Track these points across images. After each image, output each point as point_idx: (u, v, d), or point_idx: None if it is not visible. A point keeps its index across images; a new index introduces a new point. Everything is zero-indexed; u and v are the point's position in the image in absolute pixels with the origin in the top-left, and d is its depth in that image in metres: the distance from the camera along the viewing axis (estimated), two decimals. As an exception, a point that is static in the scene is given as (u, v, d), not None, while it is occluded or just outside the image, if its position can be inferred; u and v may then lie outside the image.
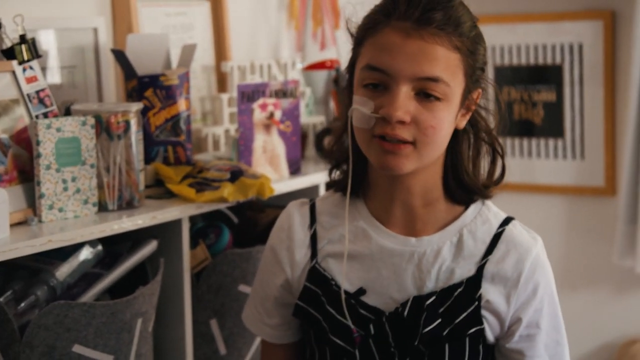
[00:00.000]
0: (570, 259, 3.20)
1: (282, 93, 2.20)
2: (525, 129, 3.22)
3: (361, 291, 1.58)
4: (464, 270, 1.56)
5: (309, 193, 2.21)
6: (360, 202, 1.64)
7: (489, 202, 1.62)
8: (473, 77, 1.54)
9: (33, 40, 1.83)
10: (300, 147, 2.27)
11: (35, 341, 1.64)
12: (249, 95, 2.14)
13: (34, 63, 1.83)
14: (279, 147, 2.21)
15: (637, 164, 2.98)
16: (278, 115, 2.19)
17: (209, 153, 2.32)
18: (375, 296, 1.58)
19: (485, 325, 1.56)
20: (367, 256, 1.60)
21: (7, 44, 1.81)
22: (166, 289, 1.94)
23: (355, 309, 1.57)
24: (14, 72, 1.80)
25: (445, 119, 1.51)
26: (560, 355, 1.60)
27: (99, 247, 1.83)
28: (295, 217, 1.68)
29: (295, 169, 2.24)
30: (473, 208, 1.60)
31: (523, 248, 1.57)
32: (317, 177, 2.26)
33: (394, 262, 1.58)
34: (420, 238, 1.58)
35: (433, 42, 1.48)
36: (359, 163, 1.60)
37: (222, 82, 2.46)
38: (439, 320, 1.54)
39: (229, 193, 1.95)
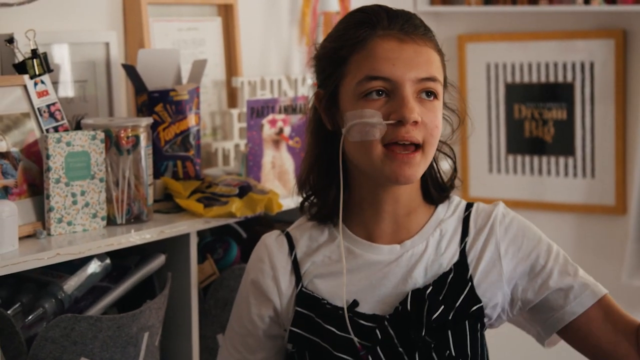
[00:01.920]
0: (579, 277, 3.19)
1: (291, 109, 2.21)
2: (535, 147, 3.22)
3: (355, 303, 1.60)
4: (449, 258, 1.61)
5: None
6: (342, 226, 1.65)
7: (451, 196, 1.70)
8: (446, 79, 1.62)
9: (44, 55, 1.84)
10: (309, 163, 2.27)
11: (42, 354, 1.65)
12: (258, 110, 2.15)
13: (45, 77, 1.85)
14: (288, 163, 2.21)
15: (647, 183, 2.97)
16: (287, 131, 2.20)
17: (219, 168, 2.33)
18: (368, 305, 1.60)
19: (490, 301, 1.59)
20: (354, 270, 1.62)
21: (19, 58, 1.83)
22: (173, 303, 1.95)
23: (354, 322, 1.58)
24: (25, 86, 1.82)
25: (441, 119, 1.59)
26: (565, 260, 1.62)
27: (107, 261, 1.84)
28: (273, 247, 1.68)
29: (304, 185, 2.24)
30: (441, 205, 1.67)
31: (486, 213, 1.65)
32: (325, 193, 2.26)
33: (381, 270, 1.61)
34: (403, 243, 1.63)
35: (424, 44, 1.56)
36: (338, 192, 1.62)
37: (232, 97, 2.46)
38: (443, 307, 1.57)
39: (237, 208, 1.96)
